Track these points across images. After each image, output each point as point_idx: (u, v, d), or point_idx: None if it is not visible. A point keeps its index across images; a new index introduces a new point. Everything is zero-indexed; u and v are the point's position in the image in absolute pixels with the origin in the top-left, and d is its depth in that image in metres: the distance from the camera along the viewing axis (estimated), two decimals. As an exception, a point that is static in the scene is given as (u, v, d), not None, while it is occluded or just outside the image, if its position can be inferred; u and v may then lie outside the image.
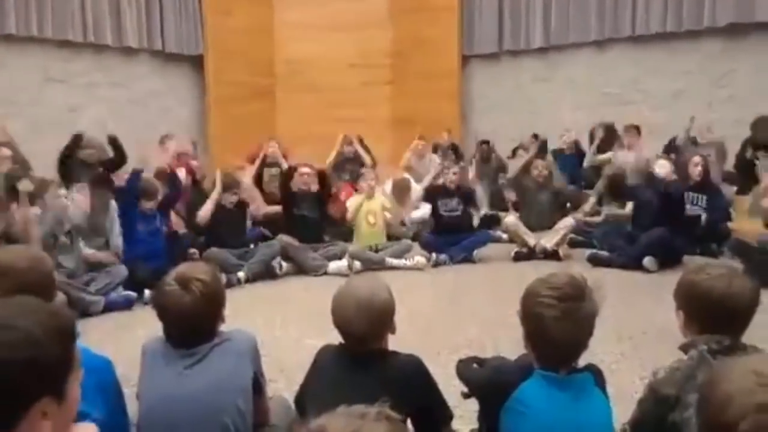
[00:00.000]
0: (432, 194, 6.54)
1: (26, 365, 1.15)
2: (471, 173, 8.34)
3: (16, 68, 7.83)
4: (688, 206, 5.97)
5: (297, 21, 10.33)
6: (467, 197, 6.60)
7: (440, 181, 6.58)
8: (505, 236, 6.57)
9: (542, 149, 8.17)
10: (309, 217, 6.17)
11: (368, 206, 6.27)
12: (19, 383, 1.15)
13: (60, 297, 4.21)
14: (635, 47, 8.93)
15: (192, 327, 1.95)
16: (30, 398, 1.16)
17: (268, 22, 10.40)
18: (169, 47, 9.30)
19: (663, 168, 5.87)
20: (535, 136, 8.17)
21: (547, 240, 6.10)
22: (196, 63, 9.69)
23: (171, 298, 1.93)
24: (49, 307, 1.31)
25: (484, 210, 7.77)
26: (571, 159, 8.14)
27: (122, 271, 4.95)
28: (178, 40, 9.39)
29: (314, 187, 6.22)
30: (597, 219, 6.74)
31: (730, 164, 7.31)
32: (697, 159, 6.18)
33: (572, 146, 8.27)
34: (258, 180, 7.52)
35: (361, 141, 8.69)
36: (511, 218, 6.40)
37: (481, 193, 7.99)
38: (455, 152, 9.05)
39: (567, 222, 6.25)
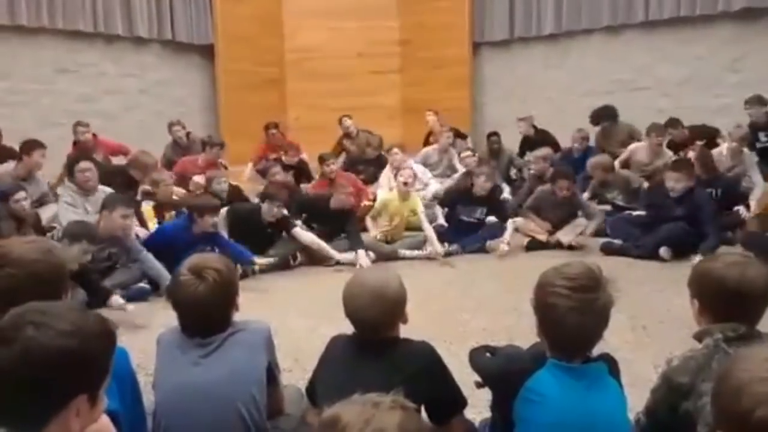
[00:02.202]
0: (453, 199, 6.35)
1: (74, 354, 1.20)
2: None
3: (28, 59, 7.86)
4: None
5: (306, 9, 10.29)
6: (496, 207, 6.25)
7: (467, 184, 6.29)
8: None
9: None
10: (324, 213, 6.11)
11: (397, 207, 5.97)
12: (65, 371, 1.19)
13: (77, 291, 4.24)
14: (648, 33, 8.83)
15: (207, 316, 1.98)
16: (71, 390, 1.21)
17: (277, 10, 10.36)
18: (179, 37, 9.30)
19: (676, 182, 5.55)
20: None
21: (563, 235, 6.00)
22: (206, 52, 9.69)
23: (186, 287, 1.95)
24: (97, 312, 1.36)
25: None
26: (580, 159, 7.79)
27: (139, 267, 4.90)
28: (188, 29, 9.39)
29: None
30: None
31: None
32: (691, 154, 6.09)
33: (584, 147, 7.98)
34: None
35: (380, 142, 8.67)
36: (519, 220, 6.20)
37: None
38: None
39: (585, 220, 6.12)
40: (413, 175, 6.25)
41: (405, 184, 6.01)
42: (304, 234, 5.63)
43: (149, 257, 4.72)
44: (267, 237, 5.67)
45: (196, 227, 5.05)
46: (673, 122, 7.61)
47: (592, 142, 8.06)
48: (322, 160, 7.11)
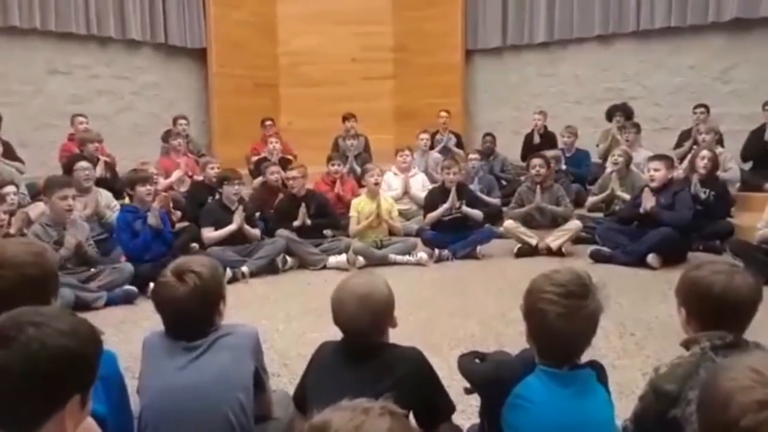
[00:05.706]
0: (432, 202, 6.34)
1: (73, 354, 1.22)
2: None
3: (20, 60, 7.82)
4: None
5: (300, 14, 10.29)
6: (470, 197, 6.36)
7: (439, 181, 6.41)
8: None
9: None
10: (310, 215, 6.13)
11: (369, 208, 6.08)
12: (65, 370, 1.20)
13: (65, 292, 4.22)
14: (639, 42, 8.88)
15: (187, 319, 1.96)
16: (69, 389, 1.22)
17: (271, 15, 10.36)
18: (172, 40, 9.27)
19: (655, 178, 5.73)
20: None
21: (552, 240, 6.04)
22: (199, 56, 9.67)
23: (166, 289, 1.94)
24: (82, 317, 1.37)
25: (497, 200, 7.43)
26: (572, 158, 8.01)
27: (128, 268, 4.90)
28: (180, 33, 9.36)
29: (303, 190, 6.18)
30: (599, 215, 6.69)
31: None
32: (705, 153, 6.12)
33: (572, 141, 8.12)
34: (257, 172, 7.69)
35: (366, 143, 8.72)
36: (510, 222, 6.26)
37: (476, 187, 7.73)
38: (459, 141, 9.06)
39: (574, 224, 6.18)
40: (381, 175, 6.46)
41: (375, 184, 6.20)
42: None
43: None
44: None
45: (136, 202, 5.27)
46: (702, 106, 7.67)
47: (578, 144, 8.15)
48: (328, 159, 7.30)
